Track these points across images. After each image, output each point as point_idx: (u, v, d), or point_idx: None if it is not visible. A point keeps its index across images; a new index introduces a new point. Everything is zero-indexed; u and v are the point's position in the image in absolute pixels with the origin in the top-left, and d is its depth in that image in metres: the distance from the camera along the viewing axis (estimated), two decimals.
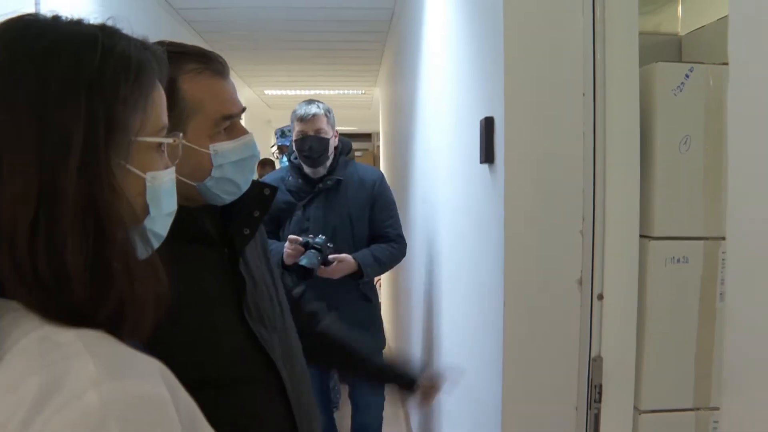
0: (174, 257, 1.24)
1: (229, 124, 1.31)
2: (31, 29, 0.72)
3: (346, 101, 10.63)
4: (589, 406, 1.61)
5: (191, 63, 1.28)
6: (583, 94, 1.62)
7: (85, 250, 0.67)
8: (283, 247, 2.78)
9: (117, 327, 0.69)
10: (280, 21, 5.45)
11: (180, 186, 1.25)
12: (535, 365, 1.63)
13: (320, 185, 2.90)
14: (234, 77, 6.30)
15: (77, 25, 0.75)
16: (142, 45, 0.79)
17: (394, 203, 3.06)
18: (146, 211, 0.79)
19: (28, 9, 2.87)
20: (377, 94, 8.94)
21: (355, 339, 1.81)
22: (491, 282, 1.78)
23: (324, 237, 2.78)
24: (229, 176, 1.31)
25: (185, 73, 1.27)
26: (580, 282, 1.62)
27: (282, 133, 4.07)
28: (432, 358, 3.01)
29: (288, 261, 2.74)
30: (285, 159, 3.92)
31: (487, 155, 1.79)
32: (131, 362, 0.65)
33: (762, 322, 0.80)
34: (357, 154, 13.62)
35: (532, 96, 1.63)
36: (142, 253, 0.77)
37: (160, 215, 0.82)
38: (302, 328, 1.58)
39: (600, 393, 1.61)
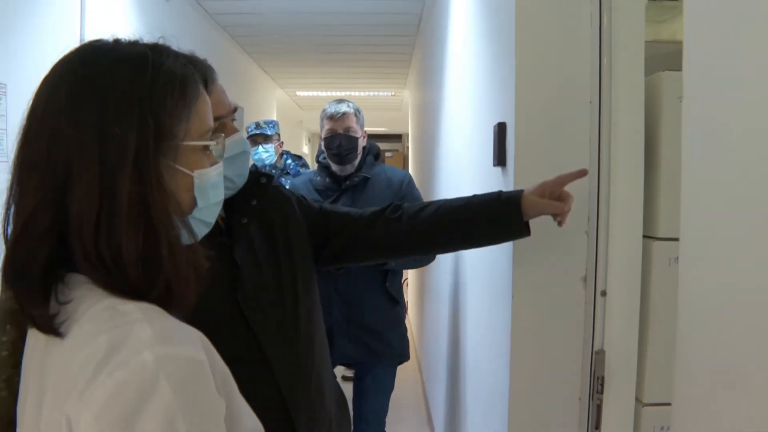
0: None
1: (218, 125, 1.36)
2: (95, 53, 0.86)
3: (377, 103, 10.74)
4: (591, 397, 1.70)
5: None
6: (590, 102, 1.71)
7: (137, 241, 0.81)
8: None
9: (166, 302, 0.83)
10: (312, 25, 5.58)
11: None
12: (540, 358, 1.73)
13: (347, 182, 2.90)
14: (267, 79, 6.44)
15: (133, 45, 0.89)
16: (187, 60, 0.93)
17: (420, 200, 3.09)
18: (194, 203, 0.93)
19: (74, 23, 3.01)
20: (407, 96, 9.04)
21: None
22: (501, 279, 1.88)
23: None
24: (224, 172, 1.41)
25: None
26: (585, 279, 1.71)
27: (257, 125, 4.04)
28: (458, 356, 3.09)
29: None
30: (260, 150, 3.99)
31: (500, 158, 1.89)
32: (179, 331, 0.79)
33: (712, 316, 0.89)
34: (387, 155, 13.74)
35: (541, 103, 1.73)
36: (187, 240, 0.90)
37: (208, 205, 0.96)
38: (398, 228, 1.65)
39: (602, 385, 1.70)
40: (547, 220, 1.70)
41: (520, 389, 1.74)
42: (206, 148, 0.94)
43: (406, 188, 2.94)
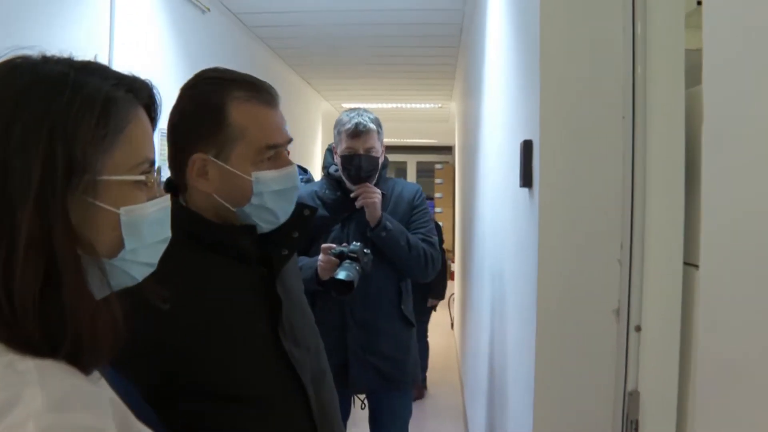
0: (212, 275, 1.31)
1: (273, 153, 1.34)
2: (11, 73, 0.76)
3: (425, 115, 10.67)
4: None
5: (240, 90, 1.32)
6: (623, 117, 1.56)
7: (33, 287, 0.70)
8: (315, 262, 2.54)
9: (76, 359, 0.73)
10: (353, 37, 5.53)
11: (220, 209, 1.33)
12: (567, 398, 1.57)
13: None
14: (311, 91, 6.47)
15: (55, 64, 0.78)
16: (119, 81, 0.82)
17: (431, 217, 2.90)
18: (121, 245, 0.81)
19: (103, 38, 3.00)
20: (453, 108, 8.92)
21: None
22: (526, 310, 1.73)
23: (359, 243, 2.55)
24: (268, 205, 1.34)
25: (233, 100, 1.30)
26: (617, 312, 1.55)
27: None
28: (493, 384, 2.93)
29: (323, 275, 2.51)
30: None
31: (525, 179, 1.75)
32: (80, 396, 0.69)
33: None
34: (437, 167, 13.60)
35: (568, 119, 1.59)
36: (100, 287, 0.80)
37: (143, 246, 0.85)
38: None
39: (636, 429, 1.53)
40: (578, 246, 1.56)
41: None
42: (141, 181, 0.83)
43: (418, 201, 2.80)
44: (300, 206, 1.45)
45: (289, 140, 1.38)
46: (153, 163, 0.86)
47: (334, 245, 2.53)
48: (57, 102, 0.74)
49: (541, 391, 1.59)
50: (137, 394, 0.94)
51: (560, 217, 1.59)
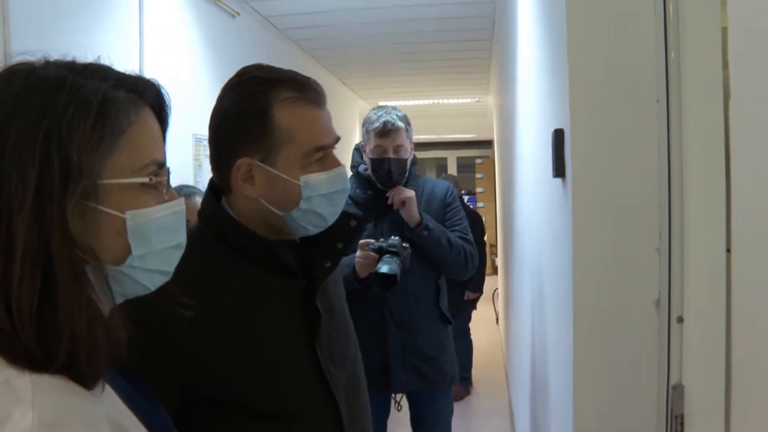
0: (251, 285, 1.28)
1: (322, 155, 1.28)
2: (9, 79, 0.75)
3: (462, 109, 10.59)
4: None
5: (286, 91, 1.26)
6: (657, 101, 1.50)
7: (30, 297, 0.69)
8: (352, 259, 2.49)
9: (74, 372, 0.71)
10: (384, 34, 5.50)
11: (266, 214, 1.28)
12: (608, 394, 1.52)
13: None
14: (346, 90, 6.48)
15: (54, 68, 0.76)
16: (119, 82, 0.79)
17: (464, 214, 2.86)
18: (128, 251, 0.79)
19: (133, 43, 3.02)
20: (491, 102, 8.83)
21: None
22: (563, 303, 1.68)
23: (398, 238, 2.50)
24: (317, 209, 1.28)
25: (280, 101, 1.25)
26: (658, 304, 1.49)
27: None
28: (535, 378, 2.87)
29: (362, 272, 2.48)
30: None
31: (558, 169, 1.70)
32: (73, 413, 0.67)
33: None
34: (478, 161, 13.50)
35: (600, 105, 1.53)
36: (107, 297, 0.78)
37: (152, 252, 0.82)
38: None
39: (682, 424, 1.47)
40: (615, 237, 1.50)
41: (584, 428, 1.53)
42: (148, 184, 0.80)
43: (450, 198, 2.76)
44: (345, 216, 1.38)
45: (337, 139, 1.32)
46: (162, 165, 0.83)
47: (372, 240, 2.50)
48: (52, 106, 0.72)
49: (580, 387, 1.54)
50: (153, 401, 0.91)
51: (594, 206, 1.54)
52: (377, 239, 2.56)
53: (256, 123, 1.24)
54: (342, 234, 1.36)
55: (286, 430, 1.27)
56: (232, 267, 1.27)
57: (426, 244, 2.60)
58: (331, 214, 1.31)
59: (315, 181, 1.26)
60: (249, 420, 1.24)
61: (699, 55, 1.49)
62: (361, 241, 2.49)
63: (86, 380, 0.71)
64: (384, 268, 2.41)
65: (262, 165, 1.25)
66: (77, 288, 0.72)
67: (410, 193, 2.60)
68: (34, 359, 0.68)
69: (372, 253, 2.46)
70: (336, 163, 1.30)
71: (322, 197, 1.28)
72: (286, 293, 1.30)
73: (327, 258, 1.34)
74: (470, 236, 2.75)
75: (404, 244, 2.50)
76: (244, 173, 1.26)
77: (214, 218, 1.31)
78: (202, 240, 1.26)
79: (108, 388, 0.77)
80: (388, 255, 2.45)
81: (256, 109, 1.24)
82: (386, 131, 2.58)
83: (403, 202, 2.58)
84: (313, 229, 1.31)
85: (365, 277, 2.48)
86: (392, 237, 2.52)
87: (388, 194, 2.62)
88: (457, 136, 13.39)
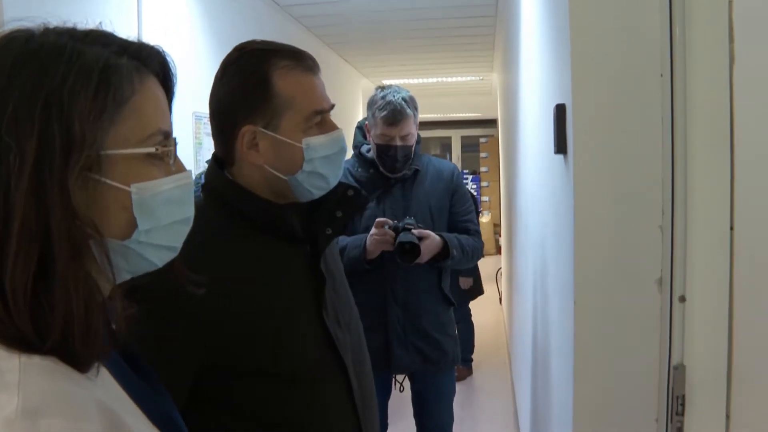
0: (260, 253, 1.32)
1: (320, 119, 1.35)
2: (6, 46, 0.72)
3: (467, 88, 10.53)
4: (670, 419, 1.46)
5: (283, 60, 1.33)
6: (661, 75, 1.46)
7: (26, 274, 0.66)
8: (362, 239, 2.49)
9: (68, 354, 0.68)
10: (388, 10, 5.44)
11: (271, 180, 1.34)
12: (609, 374, 1.50)
13: (396, 175, 2.64)
14: (350, 69, 6.44)
15: (55, 35, 0.73)
16: (122, 49, 0.77)
17: (471, 197, 2.85)
18: (133, 225, 0.76)
19: (131, 18, 2.98)
20: (495, 80, 8.76)
21: None
22: (565, 282, 1.66)
23: (412, 218, 2.50)
24: (320, 170, 1.35)
25: (278, 69, 1.32)
26: (660, 282, 1.47)
27: None
28: (537, 360, 2.85)
29: (376, 250, 2.47)
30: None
31: (559, 145, 1.67)
32: (57, 400, 0.65)
33: None
34: (482, 140, 13.44)
35: (603, 79, 1.49)
36: (109, 274, 0.75)
37: (159, 227, 0.79)
38: None
39: (683, 405, 1.45)
40: (617, 214, 1.47)
41: (585, 408, 1.51)
42: (154, 155, 0.77)
43: (456, 179, 2.74)
44: (344, 187, 1.46)
45: (332, 105, 1.39)
46: (168, 135, 0.80)
47: (389, 220, 2.49)
48: (51, 75, 0.69)
49: (580, 367, 1.51)
50: (155, 385, 0.89)
51: (596, 183, 1.50)
52: (380, 216, 2.55)
53: (257, 91, 1.31)
54: (341, 203, 1.44)
55: (302, 392, 1.32)
56: (240, 236, 1.33)
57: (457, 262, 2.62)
58: (333, 175, 1.39)
59: (316, 143, 1.33)
60: (266, 384, 1.29)
61: (705, 28, 1.45)
62: (378, 219, 2.49)
63: (79, 362, 0.69)
64: (405, 237, 2.43)
65: (265, 131, 1.31)
66: (76, 265, 0.69)
67: (434, 240, 2.54)
68: (25, 340, 0.66)
69: (391, 231, 2.46)
70: (334, 127, 1.38)
71: (323, 159, 1.34)
72: (293, 259, 1.36)
73: (328, 226, 1.41)
74: (478, 226, 2.76)
75: (419, 225, 2.52)
76: (249, 141, 1.32)
77: (222, 187, 1.36)
78: (210, 210, 1.33)
79: (104, 371, 0.74)
80: (404, 232, 2.46)
81: (257, 78, 1.31)
82: (395, 121, 2.53)
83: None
84: (317, 192, 1.38)
85: (374, 258, 2.48)
86: (407, 217, 2.52)
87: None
88: (461, 114, 13.32)
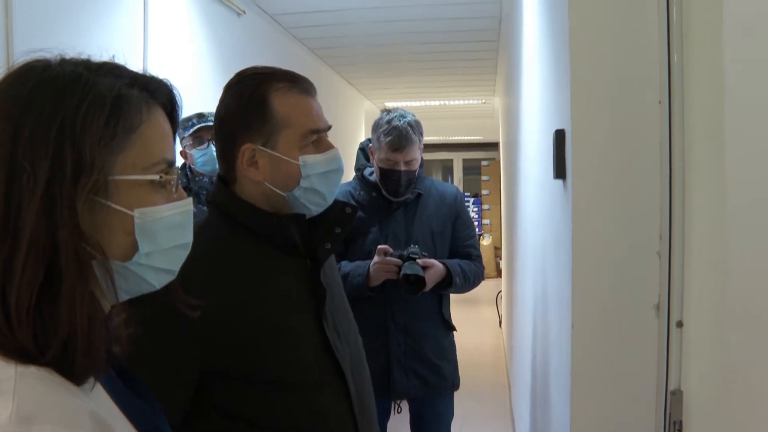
0: (261, 264, 1.37)
1: (316, 138, 1.41)
2: (23, 76, 0.76)
3: (469, 111, 10.57)
4: None
5: (280, 82, 1.40)
6: (659, 102, 1.48)
7: (31, 290, 0.69)
8: (364, 267, 2.47)
9: (66, 366, 0.70)
10: (391, 34, 5.50)
11: (270, 196, 1.40)
12: (606, 397, 1.50)
13: (398, 200, 2.62)
14: (352, 91, 6.47)
15: (69, 65, 0.78)
16: (133, 80, 0.81)
17: (473, 224, 2.85)
18: (135, 248, 0.79)
19: (137, 45, 3.01)
20: (497, 104, 8.81)
21: None
22: (563, 306, 1.66)
23: (417, 246, 2.49)
24: (316, 187, 1.40)
25: (275, 91, 1.39)
26: (657, 308, 1.47)
27: (200, 116, 2.84)
28: (535, 380, 2.85)
29: (380, 278, 2.45)
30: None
31: (558, 170, 1.68)
32: (52, 408, 0.66)
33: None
34: (484, 163, 13.47)
35: (602, 105, 1.51)
36: (110, 294, 0.78)
37: (159, 251, 0.82)
38: None
39: (680, 430, 1.45)
40: (615, 239, 1.48)
41: None
42: (158, 182, 0.81)
43: (459, 203, 2.73)
44: (341, 204, 1.51)
45: (329, 127, 1.44)
46: (172, 164, 0.84)
47: (389, 248, 2.47)
48: (67, 102, 0.73)
49: (578, 391, 1.52)
50: (150, 401, 0.91)
51: (595, 208, 1.52)
52: (383, 242, 2.54)
53: (256, 112, 1.38)
54: (339, 219, 1.49)
55: (301, 398, 1.36)
56: (243, 247, 1.39)
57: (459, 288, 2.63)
58: (329, 192, 1.44)
59: (312, 161, 1.39)
60: (265, 390, 1.34)
61: (702, 57, 1.47)
62: (380, 247, 2.47)
63: (76, 375, 0.71)
64: (410, 270, 2.41)
65: (263, 149, 1.38)
66: (82, 282, 0.72)
67: (438, 269, 2.55)
68: (23, 351, 0.68)
69: (395, 259, 2.45)
70: (330, 146, 1.44)
71: (320, 176, 1.40)
72: (294, 271, 1.42)
73: (327, 240, 1.47)
74: (479, 250, 2.75)
75: (423, 253, 2.51)
76: (249, 158, 1.38)
77: (226, 202, 1.43)
78: (215, 224, 1.42)
79: (98, 385, 0.76)
80: (408, 262, 2.44)
81: (256, 99, 1.38)
82: (400, 147, 2.51)
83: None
84: (314, 208, 1.43)
85: (376, 285, 2.47)
86: (411, 245, 2.51)
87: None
88: (463, 137, 13.37)
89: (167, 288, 0.87)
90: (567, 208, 1.60)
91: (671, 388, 1.46)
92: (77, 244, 0.72)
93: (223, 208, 1.43)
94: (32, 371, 0.68)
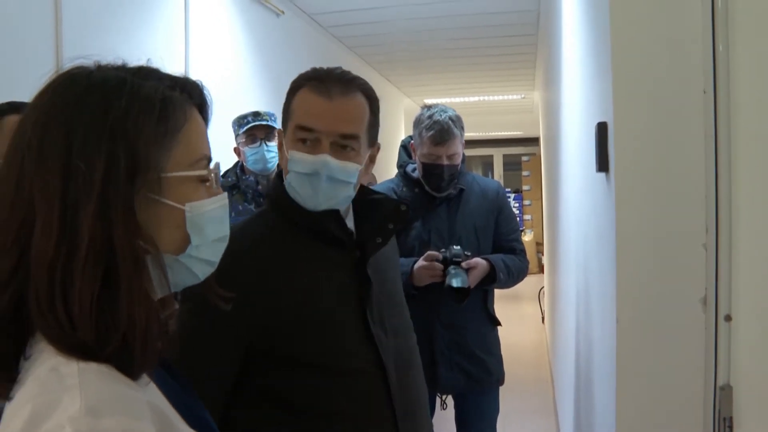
0: (310, 258, 1.42)
1: (313, 138, 1.41)
2: (68, 82, 0.79)
3: (508, 106, 10.51)
4: None
5: (308, 80, 1.45)
6: (704, 92, 1.45)
7: (92, 289, 0.71)
8: (406, 265, 2.45)
9: (124, 363, 0.73)
10: (429, 30, 5.48)
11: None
12: (652, 393, 1.47)
13: (441, 195, 2.62)
14: (391, 88, 6.47)
15: (111, 70, 0.81)
16: (175, 83, 0.85)
17: (516, 218, 2.83)
18: (188, 240, 0.83)
19: (178, 47, 3.06)
20: (537, 98, 8.72)
21: None
22: (607, 301, 1.64)
23: (459, 247, 2.49)
24: (293, 184, 1.43)
25: (300, 87, 1.45)
26: (705, 302, 1.44)
27: (256, 114, 2.88)
28: (579, 378, 2.82)
29: (424, 280, 2.47)
30: (264, 149, 2.86)
31: (601, 163, 1.66)
32: (117, 400, 0.69)
33: None
34: (524, 159, 13.37)
35: (645, 97, 1.49)
36: (163, 288, 0.81)
37: (206, 243, 0.86)
38: None
39: (731, 427, 1.42)
40: (660, 233, 1.46)
41: (628, 430, 1.49)
42: (202, 178, 0.85)
43: (501, 198, 2.72)
44: (397, 202, 1.55)
45: (330, 131, 1.40)
46: (210, 159, 0.88)
47: (438, 254, 2.48)
48: (116, 105, 0.76)
49: (623, 387, 1.49)
50: (194, 396, 0.93)
51: (638, 201, 1.49)
52: (426, 238, 2.56)
53: (286, 103, 1.48)
54: (394, 216, 1.53)
55: (342, 385, 1.41)
56: (292, 237, 1.45)
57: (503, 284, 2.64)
58: (306, 194, 1.42)
59: (294, 158, 1.41)
60: (308, 375, 1.39)
61: (748, 44, 1.44)
62: (429, 252, 2.49)
63: (133, 371, 0.74)
64: (456, 282, 2.40)
65: (283, 136, 1.48)
66: (138, 280, 0.74)
67: (482, 266, 2.55)
68: (84, 349, 0.71)
69: (439, 264, 2.46)
70: (321, 152, 1.40)
71: (296, 175, 1.41)
72: (340, 262, 1.46)
73: (379, 235, 1.51)
74: (523, 245, 2.74)
75: (466, 252, 2.50)
76: (278, 144, 1.52)
77: (275, 195, 1.50)
78: (269, 216, 1.50)
79: (150, 383, 0.79)
80: (453, 267, 2.44)
81: (289, 92, 1.48)
82: (442, 141, 2.52)
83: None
84: (301, 201, 1.43)
85: (419, 287, 2.49)
86: (453, 246, 2.50)
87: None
88: (503, 133, 13.28)
89: (204, 280, 0.91)
90: (610, 202, 1.57)
91: (720, 383, 1.43)
92: (133, 241, 0.74)
93: (275, 201, 1.50)
94: (93, 367, 0.70)
